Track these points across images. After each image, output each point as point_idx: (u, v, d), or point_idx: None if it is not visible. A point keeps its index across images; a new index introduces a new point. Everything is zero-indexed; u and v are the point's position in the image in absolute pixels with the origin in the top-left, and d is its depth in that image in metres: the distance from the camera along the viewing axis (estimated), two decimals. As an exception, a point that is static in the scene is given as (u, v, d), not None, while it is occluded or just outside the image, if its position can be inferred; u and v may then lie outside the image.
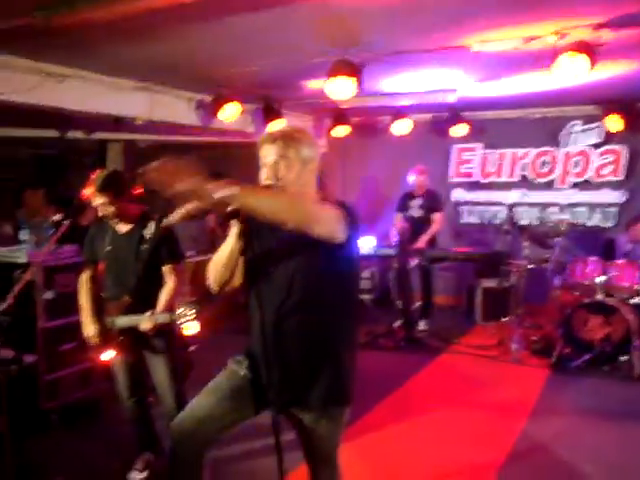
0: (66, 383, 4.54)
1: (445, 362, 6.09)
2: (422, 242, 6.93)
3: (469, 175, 8.52)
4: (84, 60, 4.90)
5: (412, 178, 7.16)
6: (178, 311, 3.17)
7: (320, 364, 2.30)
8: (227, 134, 7.57)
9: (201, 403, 2.41)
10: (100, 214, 3.44)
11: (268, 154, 2.26)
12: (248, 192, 2.00)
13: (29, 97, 4.78)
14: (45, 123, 7.46)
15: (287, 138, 2.26)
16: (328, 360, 2.32)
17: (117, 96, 5.61)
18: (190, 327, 3.37)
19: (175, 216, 2.04)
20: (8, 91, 4.61)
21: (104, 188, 3.35)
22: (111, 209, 3.39)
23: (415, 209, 7.17)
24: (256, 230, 2.28)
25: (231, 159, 8.93)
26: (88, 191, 3.39)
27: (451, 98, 6.51)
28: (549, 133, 7.91)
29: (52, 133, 8.07)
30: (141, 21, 3.62)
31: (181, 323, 3.15)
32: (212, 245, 7.46)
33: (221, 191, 1.92)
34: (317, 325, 2.24)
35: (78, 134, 8.18)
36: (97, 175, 3.40)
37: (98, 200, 3.37)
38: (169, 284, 3.48)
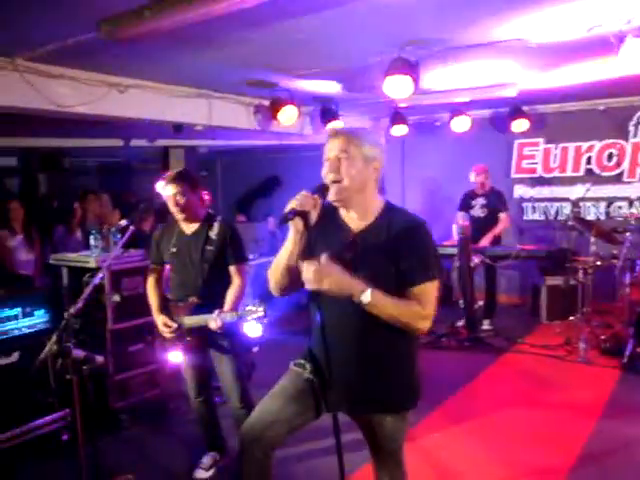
0: (135, 383, 4.67)
1: (510, 362, 5.96)
2: (485, 241, 6.82)
3: (532, 171, 8.33)
4: (144, 70, 5.06)
5: (473, 177, 7.04)
6: (248, 307, 3.20)
7: (385, 367, 2.29)
8: (285, 137, 7.65)
9: (268, 407, 2.44)
10: (171, 206, 3.49)
11: (331, 148, 2.25)
12: (383, 304, 2.12)
13: (94, 108, 4.98)
14: (110, 132, 7.73)
15: (350, 134, 2.25)
16: (392, 363, 2.31)
17: (177, 104, 5.75)
18: (254, 328, 3.42)
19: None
20: (75, 103, 4.81)
21: (178, 178, 3.45)
22: (182, 200, 3.44)
23: (478, 208, 7.05)
24: (319, 233, 2.28)
25: (289, 161, 9.03)
26: (160, 185, 3.48)
27: (511, 92, 6.37)
28: (615, 124, 7.63)
29: (117, 142, 8.35)
30: (201, 28, 3.70)
31: (250, 320, 3.18)
32: (272, 248, 7.55)
33: (360, 295, 2.09)
34: (381, 328, 2.21)
35: (141, 142, 8.44)
36: (171, 171, 3.49)
37: (171, 190, 3.44)
38: (236, 284, 3.53)
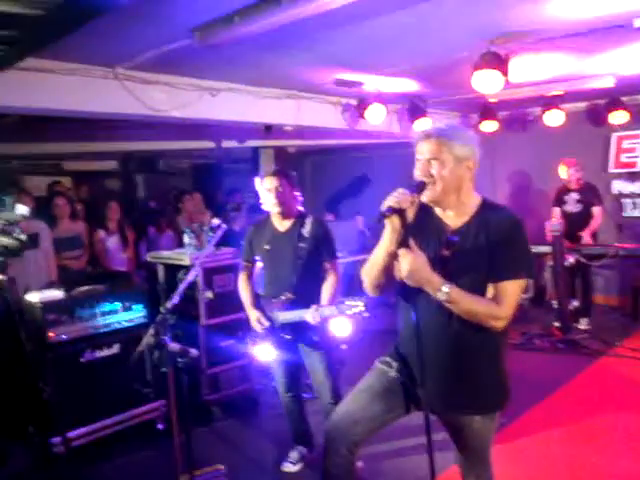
0: (226, 377, 4.83)
1: (606, 366, 5.69)
2: (587, 237, 6.58)
3: (632, 165, 7.89)
4: (235, 73, 5.20)
5: (564, 171, 6.78)
6: (346, 302, 3.23)
7: (475, 367, 2.28)
8: (373, 135, 7.65)
9: (353, 404, 2.47)
10: (265, 201, 3.59)
11: (422, 151, 2.25)
12: (460, 300, 2.14)
13: (188, 112, 5.17)
14: (202, 135, 8.00)
15: (441, 136, 2.23)
16: (483, 363, 2.29)
17: (266, 105, 5.88)
18: (342, 326, 3.45)
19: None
20: (169, 108, 5.02)
21: (277, 173, 3.56)
22: (280, 193, 3.53)
23: (571, 204, 6.79)
24: (414, 231, 2.27)
25: (377, 160, 9.02)
26: (257, 181, 3.59)
27: (608, 82, 6.07)
28: None
29: (208, 144, 8.63)
30: (289, 31, 3.76)
31: (350, 314, 3.21)
32: (361, 247, 7.57)
33: (438, 290, 2.13)
34: (474, 330, 2.19)
35: (231, 143, 8.68)
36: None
37: (270, 183, 3.53)
38: (331, 279, 3.59)
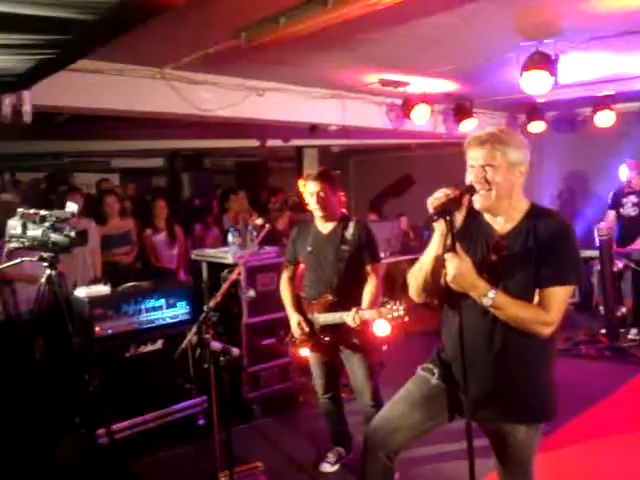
0: (266, 376, 4.86)
1: (655, 376, 5.53)
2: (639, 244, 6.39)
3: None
4: (281, 73, 5.23)
5: (625, 173, 6.60)
6: (387, 306, 3.22)
7: (523, 378, 2.24)
8: (417, 135, 7.59)
9: (394, 412, 2.46)
10: (312, 203, 3.58)
11: (475, 157, 2.21)
12: (506, 306, 2.12)
13: (234, 111, 5.24)
14: (247, 133, 8.08)
15: (495, 141, 2.19)
16: (531, 372, 2.25)
17: (312, 105, 5.90)
18: (383, 327, 3.43)
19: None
20: (217, 107, 5.09)
21: (321, 176, 3.54)
22: (324, 197, 3.53)
23: (629, 207, 6.61)
24: (461, 234, 2.24)
25: (422, 159, 8.96)
26: (301, 183, 3.61)
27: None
28: None
29: (253, 142, 8.71)
30: (335, 31, 3.77)
31: (390, 317, 3.20)
32: (404, 247, 7.52)
33: (484, 296, 2.11)
34: (521, 337, 2.16)
35: (276, 142, 8.74)
36: (313, 169, 3.62)
37: (313, 187, 3.53)
38: (372, 282, 3.58)
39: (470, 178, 2.22)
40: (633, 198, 6.61)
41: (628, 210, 6.63)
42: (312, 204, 3.58)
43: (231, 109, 5.22)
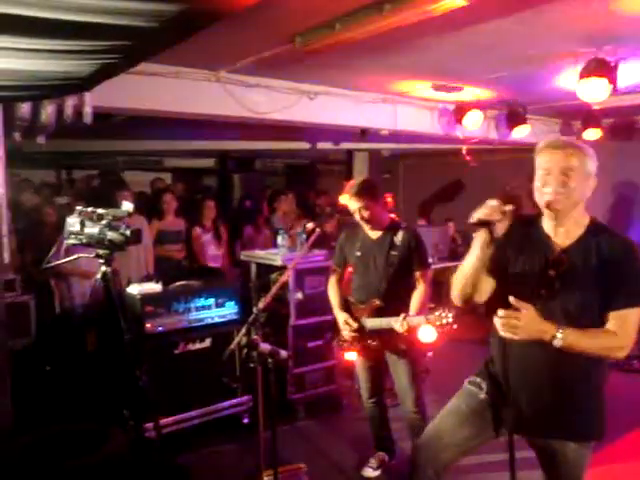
0: (312, 378, 4.90)
1: None
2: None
3: None
4: (333, 78, 5.26)
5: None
6: (436, 313, 3.22)
7: (577, 393, 2.20)
8: (469, 141, 7.51)
9: (442, 427, 2.45)
10: (357, 218, 3.62)
11: (554, 161, 2.16)
12: (577, 342, 2.07)
13: (286, 114, 5.29)
14: (298, 136, 8.13)
15: (575, 148, 2.18)
16: (582, 388, 2.21)
17: (363, 109, 5.91)
18: (429, 333, 3.42)
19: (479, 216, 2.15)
20: (269, 110, 5.15)
21: (361, 193, 3.54)
22: (366, 213, 3.56)
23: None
24: (517, 244, 2.24)
25: (469, 165, 8.85)
26: (344, 197, 3.62)
27: None
28: None
29: (303, 145, 8.76)
30: (389, 37, 3.77)
31: (439, 325, 3.19)
32: (451, 253, 7.46)
33: (553, 338, 2.06)
34: (573, 357, 2.12)
35: (327, 145, 8.77)
36: (354, 182, 3.62)
37: (354, 204, 3.56)
38: (421, 289, 3.58)
39: (538, 184, 2.18)
40: None
41: None
42: (357, 218, 3.60)
43: (283, 112, 5.27)
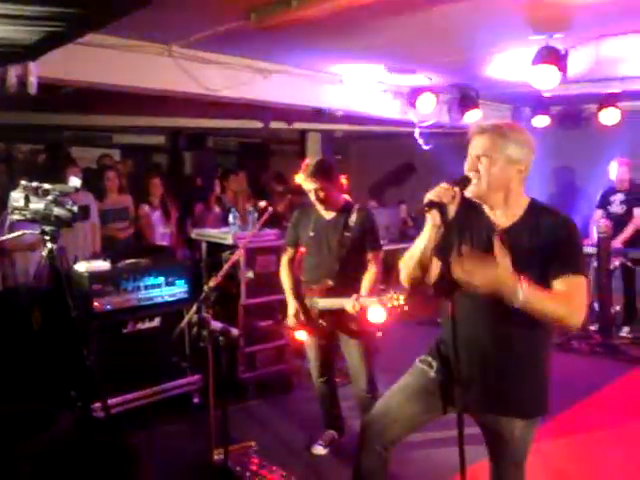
0: (262, 357, 4.90)
1: (645, 374, 5.59)
2: (619, 241, 6.42)
3: (685, 170, 7.64)
4: (288, 56, 5.21)
5: (614, 170, 6.63)
6: (388, 295, 3.24)
7: (522, 369, 2.24)
8: (421, 124, 7.57)
9: (391, 404, 2.48)
10: (312, 198, 3.61)
11: (474, 146, 2.21)
12: (534, 299, 2.00)
13: (240, 92, 5.22)
14: (251, 114, 8.04)
15: (496, 133, 2.19)
16: (529, 364, 2.26)
17: (317, 89, 5.88)
18: (378, 313, 3.45)
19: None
20: (223, 87, 5.07)
21: (317, 174, 3.52)
22: (322, 194, 3.55)
23: (616, 205, 6.64)
24: (460, 226, 2.26)
25: (421, 148, 8.93)
26: (299, 177, 3.60)
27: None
28: None
29: (256, 123, 8.67)
30: (344, 18, 3.76)
31: (390, 306, 3.22)
32: (402, 235, 7.55)
33: (515, 293, 1.98)
34: (521, 330, 2.17)
35: (280, 124, 8.71)
36: (309, 162, 3.59)
37: (310, 185, 3.55)
38: (372, 270, 3.59)
39: (466, 166, 2.23)
40: (621, 196, 6.63)
41: (616, 208, 6.65)
42: (312, 199, 3.59)
43: (237, 89, 5.20)
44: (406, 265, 2.37)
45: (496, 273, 1.98)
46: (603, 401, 4.89)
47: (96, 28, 3.35)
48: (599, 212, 6.73)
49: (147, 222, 6.29)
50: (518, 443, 2.34)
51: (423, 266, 2.31)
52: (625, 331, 6.54)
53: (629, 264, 6.36)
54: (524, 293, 1.98)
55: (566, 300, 2.09)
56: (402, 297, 3.17)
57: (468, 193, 2.21)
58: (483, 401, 2.28)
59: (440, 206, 2.14)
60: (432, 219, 2.19)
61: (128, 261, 4.39)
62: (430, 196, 2.14)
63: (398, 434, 2.45)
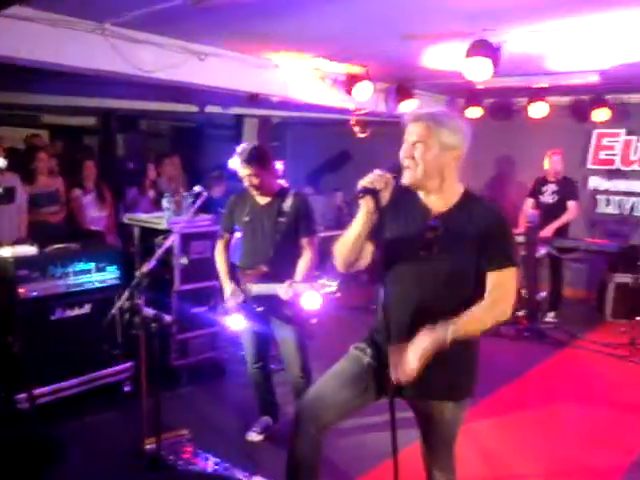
0: (196, 344, 4.85)
1: (569, 357, 5.85)
2: (550, 230, 6.67)
3: (609, 162, 8.01)
4: (224, 39, 5.11)
5: (547, 162, 6.88)
6: (320, 281, 3.24)
7: (448, 357, 2.27)
8: (358, 112, 7.62)
9: (326, 388, 2.49)
10: (246, 184, 3.57)
11: (410, 132, 2.25)
12: (463, 331, 2.19)
13: (174, 74, 5.09)
14: (185, 98, 7.88)
15: (430, 120, 2.23)
16: (458, 349, 2.28)
17: (253, 74, 5.81)
18: (313, 300, 3.46)
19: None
20: (156, 68, 4.93)
21: (251, 160, 3.48)
22: (255, 181, 3.52)
23: (548, 195, 6.89)
24: (395, 213, 2.31)
25: (357, 137, 9.00)
26: (234, 162, 3.55)
27: (592, 78, 6.12)
28: None
29: (191, 107, 8.51)
30: (279, 2, 3.72)
31: (322, 293, 3.23)
32: (338, 222, 7.60)
33: (446, 341, 2.16)
34: (447, 313, 2.21)
35: (216, 109, 8.57)
36: (244, 147, 3.54)
37: (244, 171, 3.51)
38: (307, 256, 3.59)
39: (402, 153, 2.27)
40: (553, 187, 6.88)
41: (547, 198, 6.90)
42: (246, 185, 3.56)
43: (171, 71, 5.06)
44: (340, 251, 2.40)
45: (423, 349, 2.16)
46: (529, 383, 5.10)
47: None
48: (530, 201, 6.96)
49: (79, 206, 6.09)
50: (448, 424, 2.42)
51: (357, 252, 2.35)
52: (550, 316, 6.82)
53: (555, 253, 6.62)
54: (455, 334, 2.16)
55: (492, 307, 2.24)
56: (335, 283, 3.19)
57: (404, 180, 2.26)
58: (414, 386, 2.32)
59: (373, 193, 2.18)
60: (365, 205, 2.23)
61: (56, 246, 4.23)
62: (363, 183, 2.18)
63: (332, 418, 2.48)
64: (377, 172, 2.20)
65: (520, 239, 6.44)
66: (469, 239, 2.23)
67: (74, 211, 6.07)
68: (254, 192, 3.60)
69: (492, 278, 2.23)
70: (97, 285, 4.29)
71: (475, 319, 2.22)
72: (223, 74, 5.54)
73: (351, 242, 2.33)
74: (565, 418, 4.43)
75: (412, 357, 2.17)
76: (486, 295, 2.24)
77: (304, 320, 3.81)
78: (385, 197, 2.23)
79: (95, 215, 6.19)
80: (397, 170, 2.24)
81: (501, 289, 2.23)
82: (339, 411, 2.47)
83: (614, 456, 3.85)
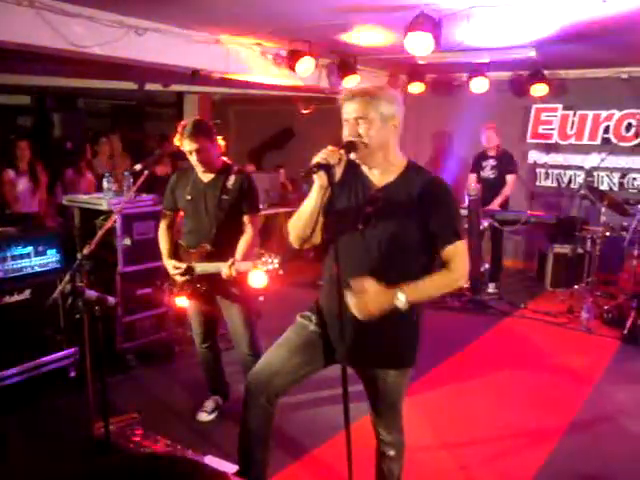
0: (142, 326, 4.77)
1: (511, 326, 6.04)
2: (495, 205, 6.82)
3: (547, 137, 8.23)
4: (163, 13, 4.96)
5: (483, 135, 7.01)
6: (263, 258, 3.22)
7: (391, 326, 2.32)
8: (300, 89, 7.56)
9: (274, 357, 2.52)
10: (190, 160, 3.50)
11: (349, 111, 2.28)
12: (418, 295, 2.26)
13: (110, 50, 4.90)
14: (124, 75, 7.65)
15: (366, 95, 2.27)
16: (402, 320, 2.34)
17: (194, 49, 5.68)
18: (259, 278, 3.44)
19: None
20: (91, 44, 4.75)
21: (195, 133, 3.40)
22: (200, 155, 3.44)
23: (488, 169, 7.04)
24: (341, 187, 2.34)
25: (300, 113, 8.96)
26: (177, 138, 3.47)
27: (531, 54, 6.24)
28: (638, 94, 7.46)
29: (130, 85, 8.27)
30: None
31: (265, 270, 3.21)
32: (282, 199, 7.58)
33: (395, 304, 2.20)
34: (392, 284, 2.23)
35: (155, 86, 8.36)
36: (187, 122, 3.46)
37: (189, 146, 3.42)
38: (248, 233, 3.55)
39: (346, 132, 2.30)
40: (492, 162, 7.03)
41: (487, 173, 7.05)
42: (192, 161, 3.49)
43: (107, 47, 4.87)
44: (294, 226, 2.43)
45: (369, 303, 2.19)
46: (474, 353, 5.24)
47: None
48: (473, 176, 7.09)
49: (11, 189, 5.87)
50: (391, 390, 2.49)
51: (312, 227, 2.36)
52: (492, 287, 7.00)
53: (497, 225, 6.78)
54: (406, 299, 2.19)
55: (446, 276, 2.31)
56: (277, 261, 3.17)
57: (353, 156, 2.28)
58: (358, 354, 2.38)
59: (327, 168, 2.20)
60: (320, 180, 2.26)
61: (-9, 230, 4.08)
62: (317, 158, 2.21)
63: (282, 386, 2.51)
64: (330, 147, 2.23)
65: (464, 212, 6.57)
66: (409, 211, 2.28)
67: (7, 195, 5.86)
68: (199, 168, 3.53)
69: (443, 254, 2.30)
70: (37, 269, 4.17)
71: (431, 286, 2.30)
72: (162, 49, 5.38)
73: (306, 217, 2.35)
74: (508, 385, 4.58)
75: (370, 284, 2.20)
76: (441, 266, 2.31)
77: (251, 298, 3.80)
78: (338, 173, 2.28)
79: (29, 198, 5.98)
80: (349, 146, 2.26)
81: (453, 261, 2.29)
82: (288, 378, 2.50)
83: (555, 418, 4.01)
